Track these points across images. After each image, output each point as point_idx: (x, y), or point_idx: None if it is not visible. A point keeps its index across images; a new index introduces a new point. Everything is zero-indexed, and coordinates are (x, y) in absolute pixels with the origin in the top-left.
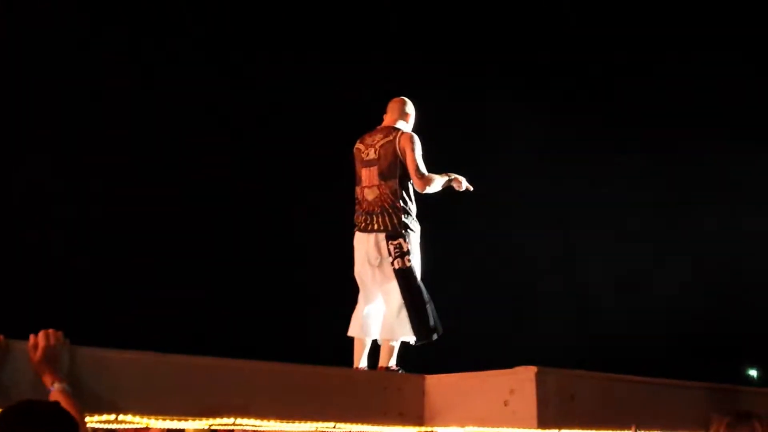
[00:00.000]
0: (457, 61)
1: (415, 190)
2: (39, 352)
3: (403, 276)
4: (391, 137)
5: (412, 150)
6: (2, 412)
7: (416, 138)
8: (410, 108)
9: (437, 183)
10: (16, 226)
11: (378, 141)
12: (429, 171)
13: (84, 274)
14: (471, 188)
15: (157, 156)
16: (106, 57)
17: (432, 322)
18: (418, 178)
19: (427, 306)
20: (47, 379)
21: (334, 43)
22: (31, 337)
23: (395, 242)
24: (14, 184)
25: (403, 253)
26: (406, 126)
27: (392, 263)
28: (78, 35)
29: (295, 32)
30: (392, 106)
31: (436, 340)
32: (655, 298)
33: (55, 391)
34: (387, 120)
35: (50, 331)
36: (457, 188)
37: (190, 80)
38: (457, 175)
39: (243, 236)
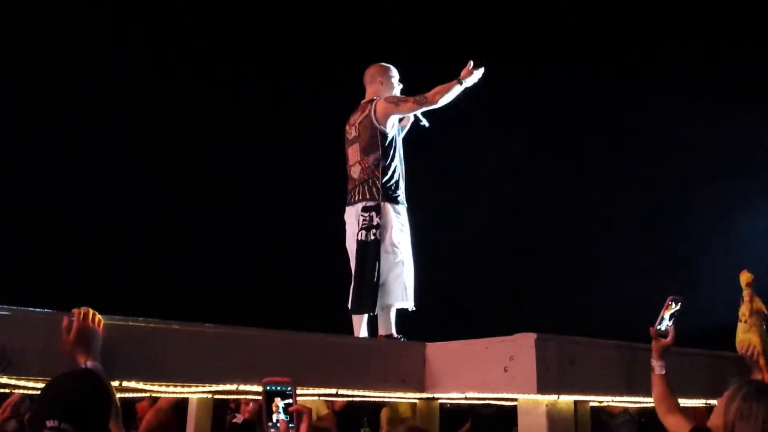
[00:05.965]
0: None
1: (399, 170)
2: (72, 333)
3: (361, 248)
4: (367, 111)
5: (390, 104)
6: (49, 381)
7: (386, 94)
8: (379, 71)
9: (446, 92)
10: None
11: (357, 118)
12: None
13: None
14: (480, 71)
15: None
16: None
17: (368, 302)
18: (419, 104)
19: (377, 287)
20: (80, 358)
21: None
22: (65, 318)
23: (367, 214)
24: None
25: (370, 226)
26: (386, 91)
27: (357, 234)
28: None
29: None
30: (365, 79)
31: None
32: None
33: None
34: (366, 94)
35: (83, 309)
36: (471, 80)
37: None
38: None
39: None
